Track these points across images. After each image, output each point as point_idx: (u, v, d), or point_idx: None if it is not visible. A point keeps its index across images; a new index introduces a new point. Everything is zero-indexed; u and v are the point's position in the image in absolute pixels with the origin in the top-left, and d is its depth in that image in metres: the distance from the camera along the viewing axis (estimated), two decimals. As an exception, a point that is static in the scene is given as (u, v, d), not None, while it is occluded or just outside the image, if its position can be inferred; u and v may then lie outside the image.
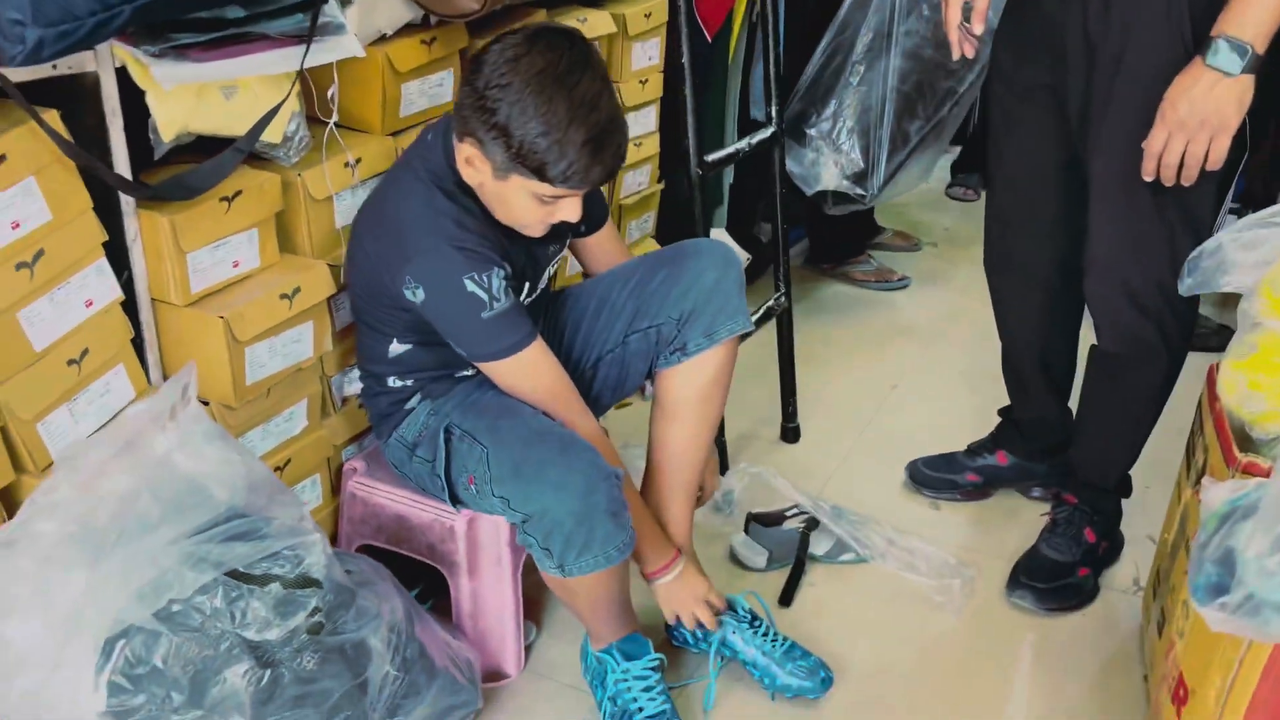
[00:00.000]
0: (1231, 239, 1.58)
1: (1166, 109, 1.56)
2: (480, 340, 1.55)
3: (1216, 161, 1.58)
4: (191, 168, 1.48)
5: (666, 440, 1.76)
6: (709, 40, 2.57)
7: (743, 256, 3.03)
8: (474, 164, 1.51)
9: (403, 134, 1.85)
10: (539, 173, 1.46)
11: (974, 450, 2.24)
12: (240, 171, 1.57)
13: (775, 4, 2.22)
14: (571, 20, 2.20)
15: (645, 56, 2.47)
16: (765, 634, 1.76)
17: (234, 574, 1.24)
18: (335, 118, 1.68)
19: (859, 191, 2.82)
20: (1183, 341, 1.82)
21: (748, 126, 2.86)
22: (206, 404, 1.60)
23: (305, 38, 1.51)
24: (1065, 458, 2.15)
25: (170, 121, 1.45)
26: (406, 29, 1.81)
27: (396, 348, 1.65)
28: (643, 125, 2.42)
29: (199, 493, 1.29)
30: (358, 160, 1.74)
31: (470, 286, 1.50)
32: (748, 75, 2.92)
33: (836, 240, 3.21)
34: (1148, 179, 1.63)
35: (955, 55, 1.81)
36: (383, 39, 1.77)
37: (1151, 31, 1.58)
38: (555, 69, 1.44)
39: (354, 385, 1.87)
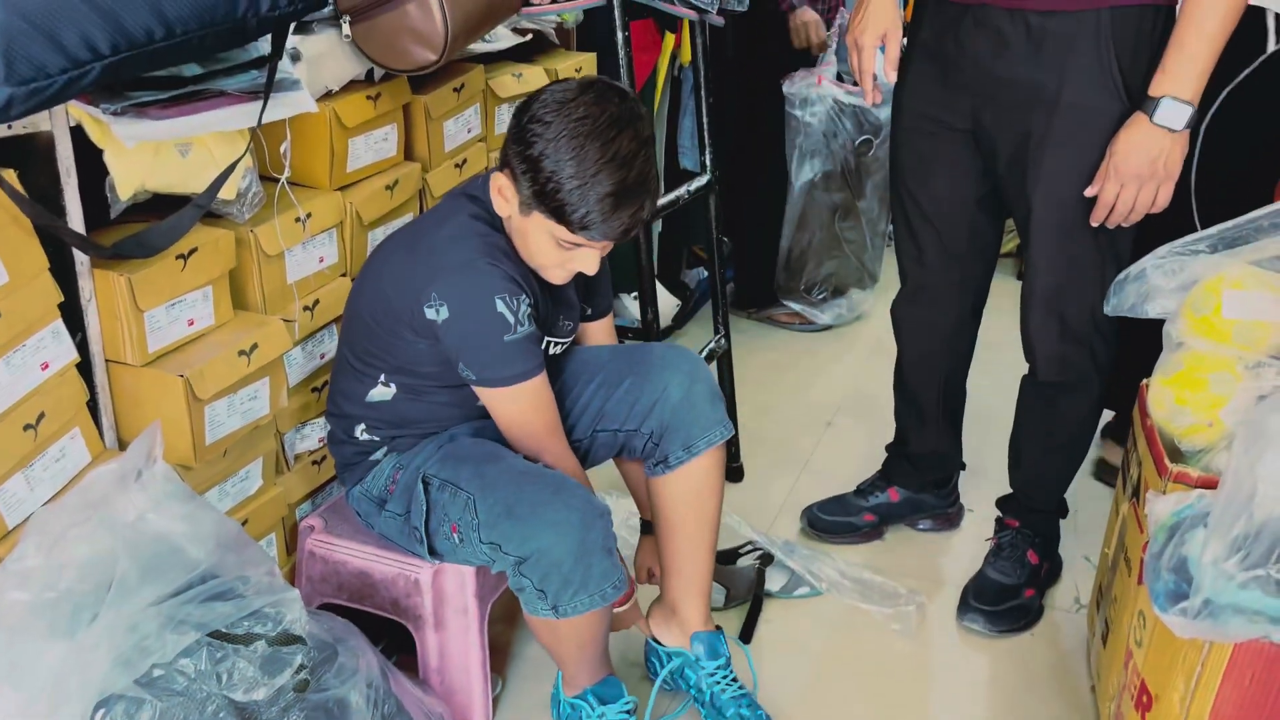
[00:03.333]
0: (1155, 266, 1.68)
1: (1119, 163, 1.67)
2: (495, 363, 1.54)
3: (1161, 206, 1.71)
4: (150, 225, 1.46)
5: (671, 548, 1.77)
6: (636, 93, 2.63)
7: (673, 302, 3.12)
8: (504, 194, 1.53)
9: (350, 188, 1.85)
10: (557, 214, 1.48)
11: (864, 490, 2.28)
12: (195, 229, 1.55)
13: (706, 56, 2.29)
14: (506, 75, 2.24)
15: (577, 109, 2.51)
16: (724, 678, 1.77)
17: (216, 634, 1.21)
18: (288, 173, 1.67)
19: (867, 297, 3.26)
20: (1110, 365, 1.92)
21: (674, 176, 2.93)
22: (163, 466, 1.56)
23: (261, 94, 1.51)
24: (951, 488, 2.26)
25: (128, 180, 1.43)
26: (351, 85, 1.83)
27: (379, 392, 1.64)
28: (577, 176, 2.46)
29: (175, 554, 1.26)
30: (308, 215, 1.74)
31: (500, 306, 1.50)
32: (672, 127, 3.00)
33: (759, 286, 3.29)
34: (1095, 224, 1.73)
35: (868, 101, 1.90)
36: (329, 95, 1.78)
37: (1085, 72, 1.68)
38: (597, 119, 1.46)
39: (306, 441, 1.85)
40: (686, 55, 2.75)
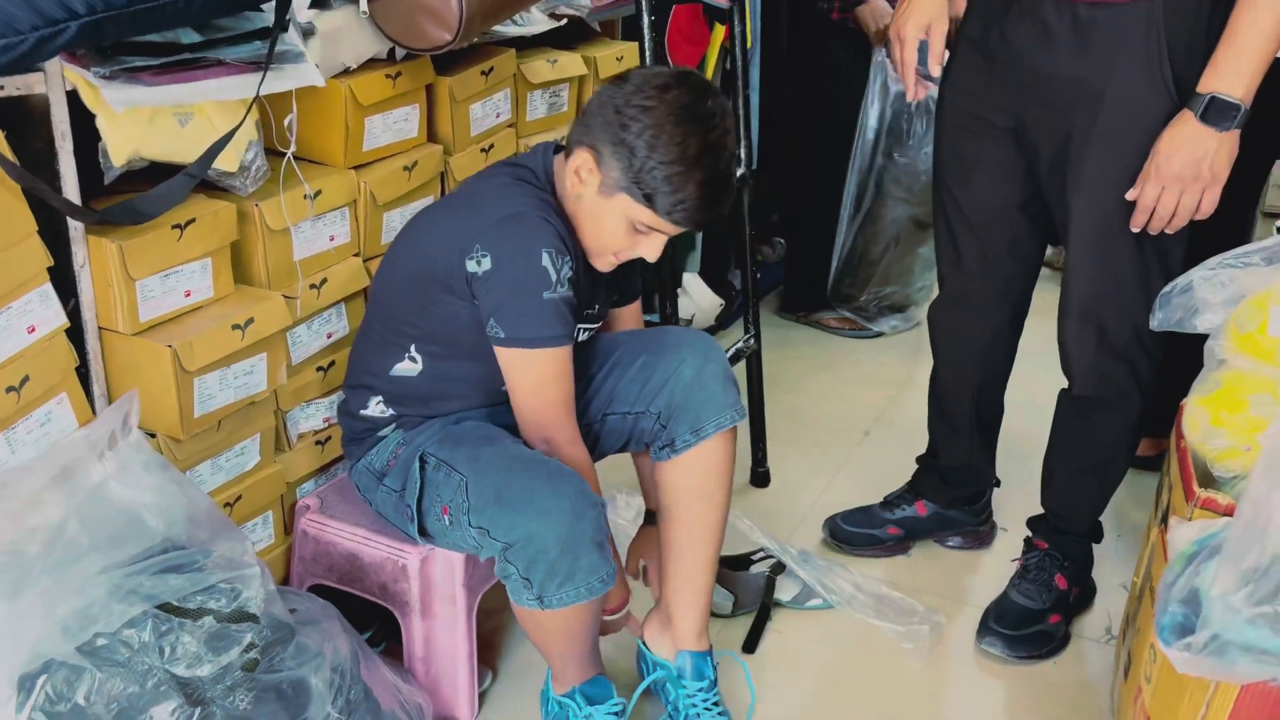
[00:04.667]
0: (1202, 279, 1.57)
1: (1161, 163, 1.57)
2: (527, 321, 1.49)
3: (1207, 212, 1.59)
4: (141, 193, 1.45)
5: (672, 543, 1.70)
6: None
7: (716, 301, 3.05)
8: (582, 174, 1.51)
9: (366, 168, 1.83)
10: (649, 199, 1.47)
11: (891, 502, 2.19)
12: (195, 200, 1.54)
13: (747, 50, 2.22)
14: (542, 61, 2.20)
15: (616, 99, 2.46)
16: (704, 701, 1.69)
17: (165, 607, 1.20)
18: (293, 148, 1.66)
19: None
20: (1152, 382, 1.80)
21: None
22: (153, 436, 1.56)
23: (262, 65, 1.49)
24: (983, 505, 2.16)
25: (121, 146, 1.42)
26: (371, 63, 1.80)
27: (404, 366, 1.61)
28: (613, 167, 2.41)
29: (134, 523, 1.24)
30: (317, 193, 1.72)
31: (545, 261, 1.47)
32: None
33: (809, 289, 3.20)
34: (1136, 230, 1.63)
35: (910, 98, 1.82)
36: (346, 72, 1.76)
37: (1133, 67, 1.58)
38: (698, 108, 1.46)
39: (310, 421, 1.83)
40: (737, 49, 2.69)
